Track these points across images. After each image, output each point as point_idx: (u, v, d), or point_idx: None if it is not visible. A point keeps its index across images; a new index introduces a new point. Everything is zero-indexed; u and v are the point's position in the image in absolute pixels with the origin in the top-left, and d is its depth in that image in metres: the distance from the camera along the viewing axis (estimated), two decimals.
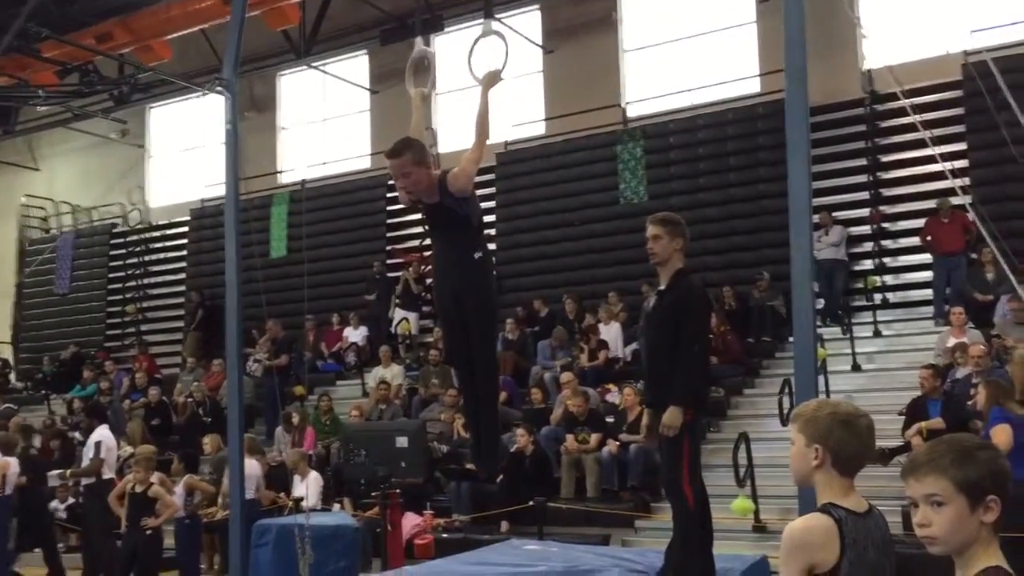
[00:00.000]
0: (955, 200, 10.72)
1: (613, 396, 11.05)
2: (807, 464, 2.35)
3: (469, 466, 10.24)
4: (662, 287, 5.11)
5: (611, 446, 9.70)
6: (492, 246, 14.93)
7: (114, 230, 19.32)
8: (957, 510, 1.91)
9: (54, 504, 12.01)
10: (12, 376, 18.92)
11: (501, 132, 14.89)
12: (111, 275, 19.11)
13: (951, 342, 9.75)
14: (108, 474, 9.36)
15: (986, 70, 8.66)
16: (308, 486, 9.79)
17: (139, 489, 8.52)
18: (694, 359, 4.89)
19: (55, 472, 12.21)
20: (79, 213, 19.87)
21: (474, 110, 4.78)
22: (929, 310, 11.48)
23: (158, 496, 8.56)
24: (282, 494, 10.23)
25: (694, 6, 14.39)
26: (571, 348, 12.24)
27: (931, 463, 1.95)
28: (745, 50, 13.77)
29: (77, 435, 12.98)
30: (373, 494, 7.82)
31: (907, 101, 6.58)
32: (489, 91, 4.84)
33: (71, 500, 11.44)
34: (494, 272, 5.21)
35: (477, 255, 4.71)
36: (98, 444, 9.29)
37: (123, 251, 19.07)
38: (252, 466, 9.10)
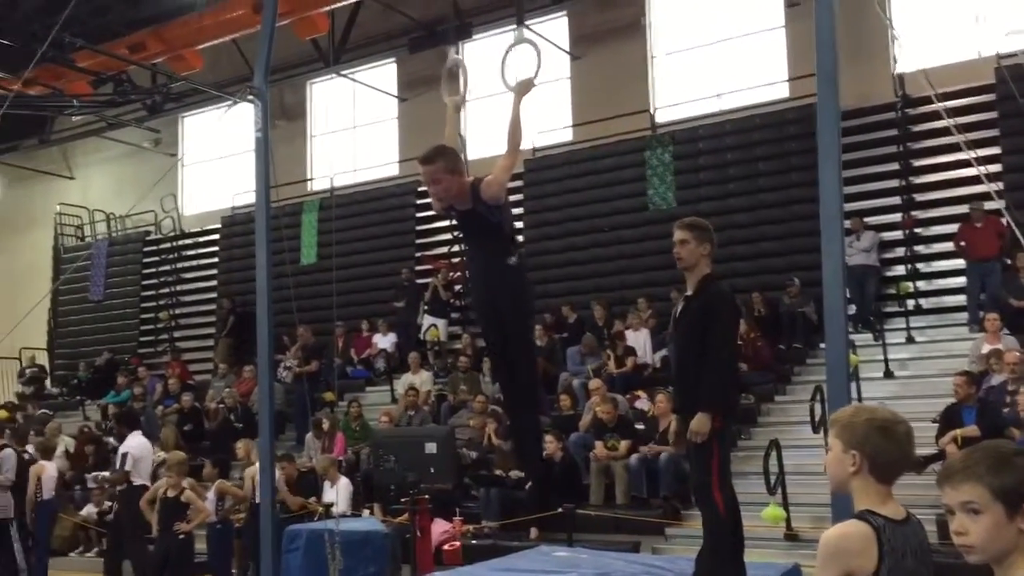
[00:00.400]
0: (989, 205, 10.60)
1: (642, 403, 11.01)
2: (844, 470, 2.33)
3: (498, 472, 10.25)
4: (689, 292, 5.08)
5: (644, 451, 9.65)
6: None
7: (147, 237, 19.56)
8: (994, 518, 1.88)
9: (88, 508, 12.18)
10: (48, 382, 19.18)
11: (529, 139, 14.92)
12: (144, 282, 19.34)
13: (986, 348, 9.63)
14: (139, 480, 9.45)
15: (1020, 73, 8.55)
16: (338, 492, 9.84)
17: (171, 494, 8.60)
18: (722, 365, 4.87)
19: (91, 475, 12.39)
20: (113, 221, 20.14)
21: (506, 118, 4.80)
22: (963, 316, 11.34)
23: (190, 501, 8.64)
24: (312, 499, 10.28)
25: (722, 11, 14.34)
26: (600, 354, 12.21)
27: (967, 470, 1.92)
28: (774, 55, 13.71)
29: (112, 440, 13.14)
30: (402, 500, 7.85)
31: (940, 105, 6.50)
32: (522, 100, 4.86)
33: (107, 504, 11.57)
34: (528, 277, 5.24)
35: (511, 260, 4.73)
36: (124, 455, 9.35)
37: (156, 258, 19.30)
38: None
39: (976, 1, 12.42)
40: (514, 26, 14.85)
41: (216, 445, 12.87)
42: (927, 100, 11.49)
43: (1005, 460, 1.91)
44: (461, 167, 4.71)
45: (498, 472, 10.26)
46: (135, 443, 9.61)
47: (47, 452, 9.82)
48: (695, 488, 5.17)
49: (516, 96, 4.88)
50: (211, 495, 9.77)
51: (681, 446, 5.18)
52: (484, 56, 15.57)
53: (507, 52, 5.35)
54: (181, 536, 8.48)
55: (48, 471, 9.65)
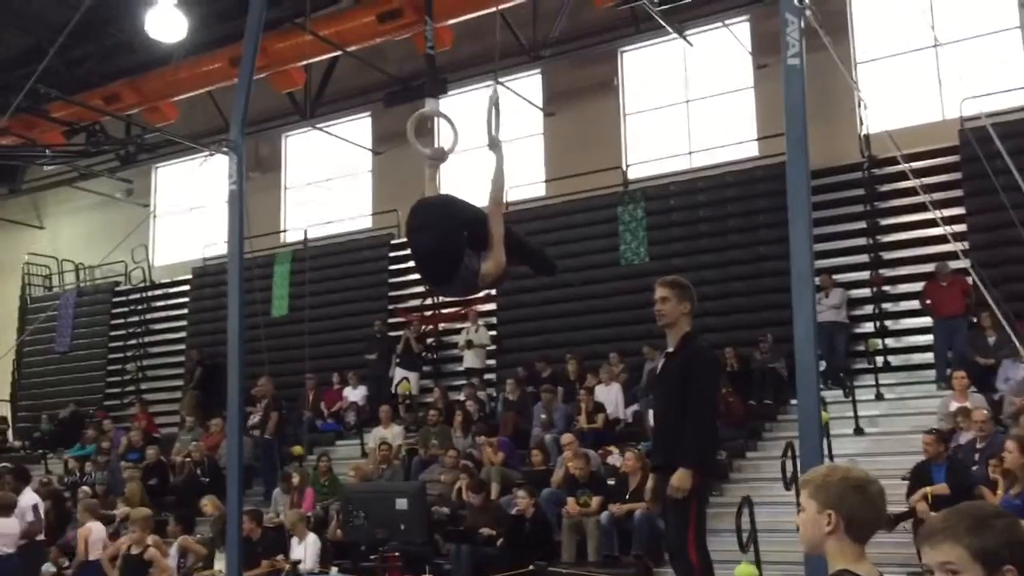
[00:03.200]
0: (954, 264, 10.78)
1: (614, 458, 10.95)
2: (819, 531, 2.32)
3: (465, 528, 10.11)
4: (670, 349, 5.12)
5: (613, 510, 9.57)
6: (492, 306, 14.95)
7: (116, 288, 19.36)
8: None
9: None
10: (9, 434, 18.77)
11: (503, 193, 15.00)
12: (112, 333, 19.09)
13: (953, 406, 9.69)
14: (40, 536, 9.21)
15: (983, 135, 8.76)
16: (306, 548, 9.66)
17: (135, 551, 8.41)
18: (703, 422, 4.89)
19: None
20: (82, 271, 19.94)
21: (488, 182, 4.84)
22: (931, 373, 11.45)
23: (153, 559, 8.45)
24: (280, 556, 10.08)
25: (693, 71, 14.64)
26: (557, 405, 12.22)
27: (946, 531, 1.92)
28: (744, 114, 13.98)
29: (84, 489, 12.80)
30: (372, 557, 7.74)
31: (906, 165, 6.65)
32: (502, 162, 4.89)
33: None
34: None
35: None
36: (35, 507, 9.13)
37: (125, 309, 19.08)
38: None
39: (939, 65, 12.76)
40: (489, 82, 15.07)
41: (181, 499, 12.61)
42: (893, 160, 11.73)
43: (985, 522, 1.91)
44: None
45: (467, 528, 10.12)
46: (36, 498, 9.38)
47: (4, 509, 9.55)
48: (672, 547, 5.13)
49: (497, 158, 4.88)
50: (174, 551, 9.57)
51: (656, 504, 5.16)
52: (459, 111, 15.75)
53: (490, 108, 5.13)
54: None
55: (5, 527, 9.38)
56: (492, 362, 14.72)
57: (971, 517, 1.92)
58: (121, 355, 18.85)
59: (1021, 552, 1.90)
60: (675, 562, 5.04)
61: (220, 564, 9.46)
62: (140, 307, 18.91)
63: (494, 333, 14.77)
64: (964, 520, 1.92)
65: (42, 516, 9.10)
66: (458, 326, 14.77)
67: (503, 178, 4.87)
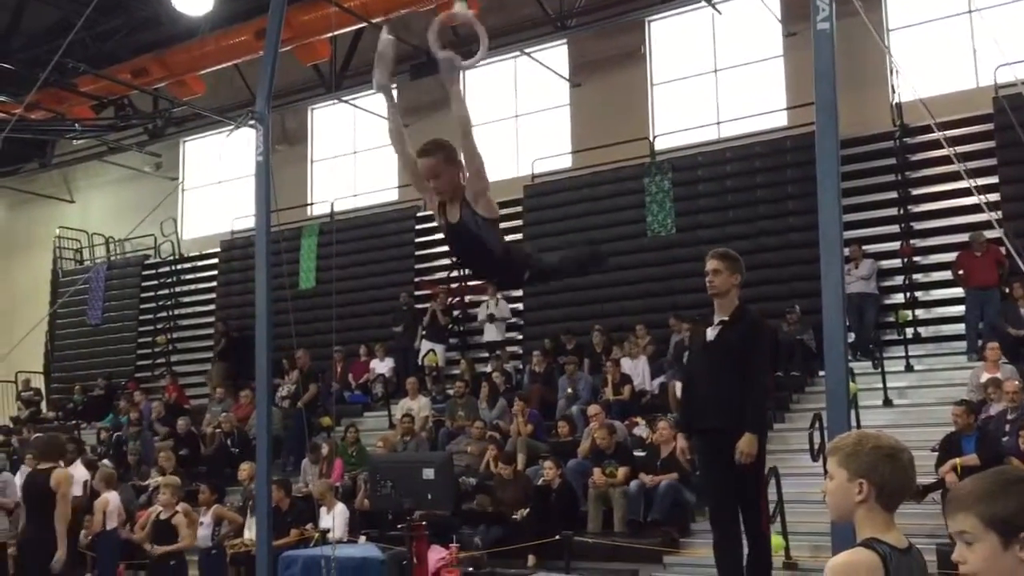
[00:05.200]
0: (988, 233, 10.63)
1: (640, 429, 10.97)
2: (849, 500, 2.28)
3: (492, 508, 10.14)
4: (724, 318, 5.28)
5: (645, 480, 9.59)
6: None
7: (146, 261, 19.55)
8: (989, 547, 1.83)
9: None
10: (43, 405, 19.08)
11: (528, 165, 14.99)
12: (142, 306, 19.29)
13: (984, 377, 9.60)
14: None
15: (1018, 103, 8.60)
16: (335, 518, 9.77)
17: (163, 516, 8.56)
18: (763, 388, 5.06)
19: None
20: (112, 245, 20.14)
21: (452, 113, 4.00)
22: (962, 344, 11.32)
23: (178, 526, 8.59)
24: (308, 526, 10.21)
25: (721, 40, 14.46)
26: (582, 378, 12.23)
27: (959, 499, 1.88)
28: (772, 83, 13.81)
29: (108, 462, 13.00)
30: (399, 526, 7.79)
31: (940, 134, 6.54)
32: (456, 84, 4.06)
33: None
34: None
35: (523, 275, 4.42)
36: (85, 483, 9.25)
37: (154, 282, 19.27)
38: None
39: (974, 31, 12.51)
40: (516, 53, 14.97)
41: (212, 470, 12.79)
42: (925, 129, 11.56)
43: (1002, 488, 1.86)
44: (459, 161, 4.02)
45: (492, 509, 10.12)
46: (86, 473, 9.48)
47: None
48: (744, 515, 5.18)
49: (451, 80, 4.08)
50: (207, 519, 9.71)
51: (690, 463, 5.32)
52: (486, 81, 15.69)
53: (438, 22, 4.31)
54: (172, 563, 8.42)
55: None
56: (518, 335, 14.74)
57: (988, 484, 1.87)
58: (151, 327, 19.05)
59: None
60: (730, 532, 5.11)
61: (250, 533, 9.60)
62: (169, 280, 19.10)
63: (518, 306, 14.79)
64: (979, 488, 1.87)
65: (87, 492, 9.26)
66: (482, 299, 14.79)
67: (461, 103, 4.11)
